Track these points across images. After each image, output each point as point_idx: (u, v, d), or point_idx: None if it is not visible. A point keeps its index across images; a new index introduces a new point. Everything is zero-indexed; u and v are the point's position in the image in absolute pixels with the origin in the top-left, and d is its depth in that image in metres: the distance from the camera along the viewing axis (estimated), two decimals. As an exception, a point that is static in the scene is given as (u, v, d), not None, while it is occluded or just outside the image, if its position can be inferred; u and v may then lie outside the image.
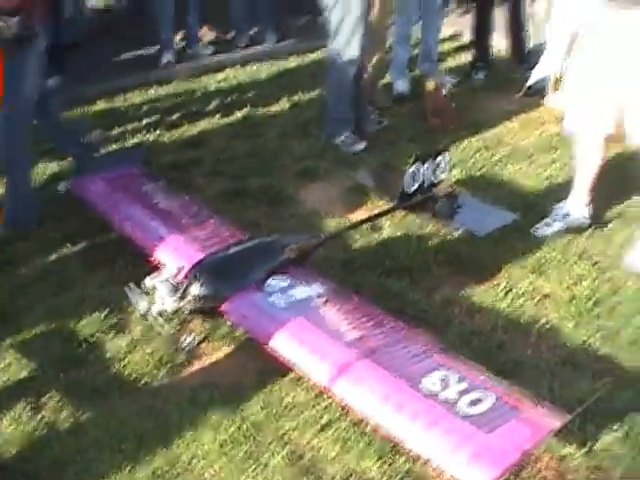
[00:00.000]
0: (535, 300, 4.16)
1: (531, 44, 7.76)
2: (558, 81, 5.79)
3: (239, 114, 6.70)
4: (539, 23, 7.18)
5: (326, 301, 3.53)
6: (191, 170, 5.66)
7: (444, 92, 6.50)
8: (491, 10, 7.61)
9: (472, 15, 7.85)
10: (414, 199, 4.68)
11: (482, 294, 4.21)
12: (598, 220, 4.85)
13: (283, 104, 6.94)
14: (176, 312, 3.61)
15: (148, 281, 3.66)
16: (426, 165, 4.66)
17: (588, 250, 4.61)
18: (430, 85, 6.57)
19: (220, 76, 7.76)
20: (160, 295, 3.59)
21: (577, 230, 4.76)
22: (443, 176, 4.82)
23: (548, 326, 3.95)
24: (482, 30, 7.67)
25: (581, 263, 4.47)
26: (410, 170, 4.58)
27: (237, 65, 8.02)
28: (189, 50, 8.23)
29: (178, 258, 3.85)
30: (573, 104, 4.63)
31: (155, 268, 3.87)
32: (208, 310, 3.63)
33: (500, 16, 7.78)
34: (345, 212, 5.02)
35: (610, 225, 4.85)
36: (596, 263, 4.48)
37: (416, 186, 4.64)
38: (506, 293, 4.21)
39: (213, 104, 6.99)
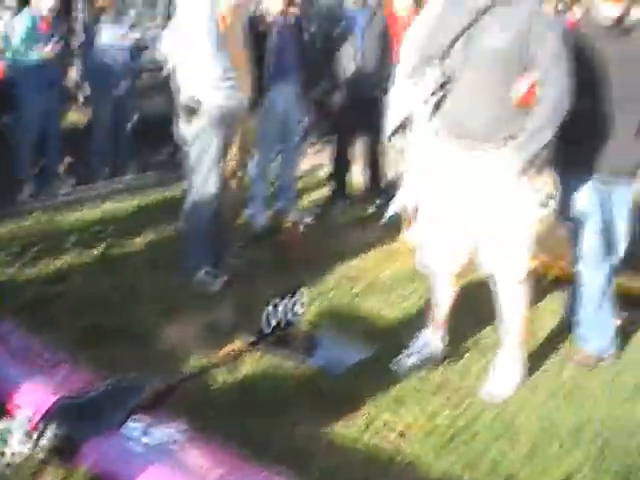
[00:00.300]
0: (395, 433, 4.19)
1: (389, 176, 8.01)
2: (413, 214, 5.98)
3: (100, 249, 6.61)
4: (397, 155, 7.42)
5: (184, 444, 3.47)
6: (51, 307, 5.50)
7: (301, 227, 6.61)
8: (349, 143, 7.87)
9: (331, 148, 8.08)
10: (272, 336, 4.71)
11: (344, 428, 4.20)
12: (454, 351, 4.97)
13: (143, 239, 6.91)
14: (30, 458, 3.49)
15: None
16: (284, 302, 4.71)
17: (445, 381, 4.69)
18: (287, 220, 6.68)
19: (81, 210, 7.69)
20: (13, 441, 3.47)
21: (434, 361, 4.85)
22: (301, 312, 4.87)
23: (409, 458, 3.97)
24: (341, 163, 7.90)
25: (439, 394, 4.55)
26: (268, 307, 4.62)
27: (97, 199, 7.99)
28: (49, 183, 8.17)
29: (32, 403, 3.74)
30: (426, 237, 4.77)
31: (7, 413, 3.74)
32: (63, 455, 3.52)
33: (359, 148, 8.04)
34: (204, 350, 4.94)
35: (466, 355, 4.97)
36: (453, 394, 4.56)
37: (274, 323, 4.68)
38: (367, 426, 4.22)
39: (73, 239, 6.87)
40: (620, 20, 4.68)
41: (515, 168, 4.29)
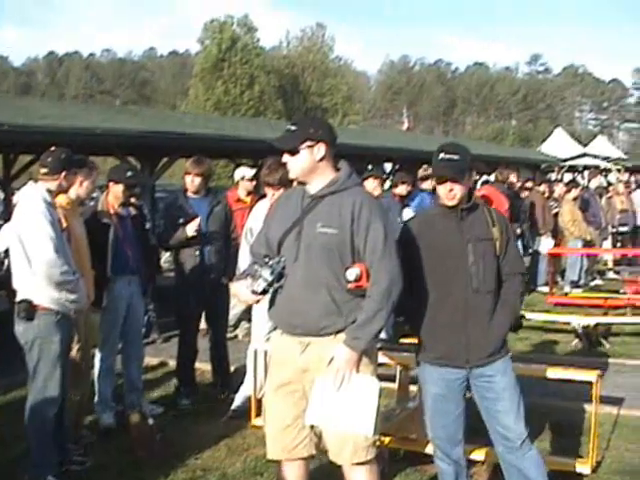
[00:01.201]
0: None
1: (234, 367, 8.01)
2: (259, 403, 5.95)
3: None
4: (242, 345, 7.44)
5: None
6: None
7: (150, 422, 6.46)
8: (194, 335, 7.84)
9: (176, 343, 8.04)
10: None
11: None
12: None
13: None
14: None
15: None
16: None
17: None
18: (135, 416, 6.53)
19: None
20: None
21: None
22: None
23: None
24: (186, 356, 7.85)
25: None
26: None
27: None
28: None
29: None
30: (270, 426, 4.70)
31: None
32: None
33: (203, 341, 8.03)
34: None
35: None
36: None
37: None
38: None
39: None
40: (460, 201, 4.71)
41: (348, 358, 4.35)
